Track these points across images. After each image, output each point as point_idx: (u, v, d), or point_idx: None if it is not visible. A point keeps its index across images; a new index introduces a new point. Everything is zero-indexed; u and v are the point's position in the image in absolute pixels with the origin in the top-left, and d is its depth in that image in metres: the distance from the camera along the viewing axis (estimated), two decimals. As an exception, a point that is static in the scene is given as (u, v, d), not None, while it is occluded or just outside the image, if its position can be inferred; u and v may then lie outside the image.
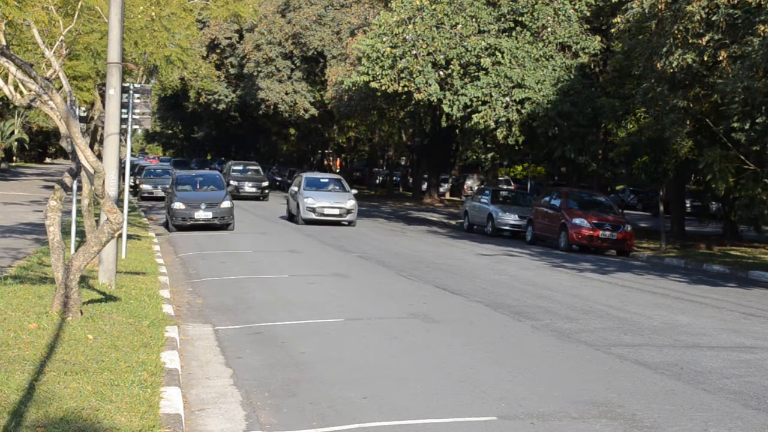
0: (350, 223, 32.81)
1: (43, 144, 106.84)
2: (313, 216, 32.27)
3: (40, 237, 22.19)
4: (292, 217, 34.37)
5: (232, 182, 46.60)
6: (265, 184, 49.18)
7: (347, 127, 66.56)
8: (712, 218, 39.59)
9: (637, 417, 8.45)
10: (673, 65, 22.69)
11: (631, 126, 32.59)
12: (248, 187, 48.19)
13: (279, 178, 67.02)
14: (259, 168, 51.97)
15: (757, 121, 21.40)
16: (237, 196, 45.27)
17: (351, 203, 32.93)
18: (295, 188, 34.29)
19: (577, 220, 28.31)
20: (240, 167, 51.40)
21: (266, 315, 13.82)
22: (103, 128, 18.23)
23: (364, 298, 15.97)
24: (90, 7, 17.39)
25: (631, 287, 19.17)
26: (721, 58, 21.89)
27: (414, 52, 32.92)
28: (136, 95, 19.85)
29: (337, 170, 76.33)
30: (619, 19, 25.60)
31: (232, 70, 65.14)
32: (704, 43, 21.98)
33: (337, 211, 32.59)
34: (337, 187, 34.53)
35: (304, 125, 66.40)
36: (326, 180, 35.61)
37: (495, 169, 54.50)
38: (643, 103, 27.19)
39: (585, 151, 33.52)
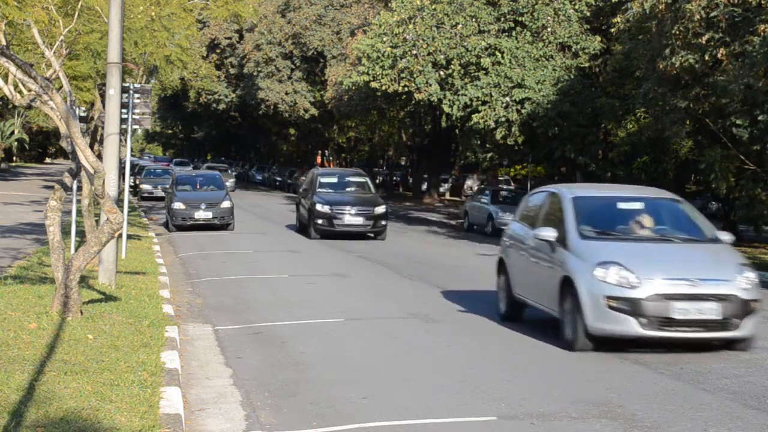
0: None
1: (43, 144, 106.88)
2: None
3: (40, 237, 22.19)
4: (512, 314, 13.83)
5: (318, 206, 26.68)
6: (381, 210, 27.06)
7: (347, 127, 66.52)
8: (711, 218, 39.59)
9: (637, 417, 8.45)
10: (676, 65, 22.69)
11: (631, 126, 32.55)
12: (350, 216, 26.72)
13: (279, 178, 67.07)
14: (366, 180, 29.75)
15: (759, 119, 21.40)
16: (327, 232, 26.66)
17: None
18: (523, 231, 13.52)
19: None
20: (333, 179, 29.34)
21: (266, 315, 13.82)
22: (103, 128, 18.22)
23: (364, 298, 15.97)
24: (90, 7, 17.41)
25: (631, 287, 19.10)
26: (721, 56, 21.89)
27: (414, 52, 32.91)
28: (136, 95, 19.86)
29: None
30: (619, 19, 25.60)
31: (232, 70, 65.17)
32: (704, 42, 21.98)
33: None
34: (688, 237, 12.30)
35: (304, 125, 66.37)
36: (639, 204, 12.80)
37: (495, 169, 54.46)
38: (644, 104, 27.18)
39: (585, 151, 33.50)
